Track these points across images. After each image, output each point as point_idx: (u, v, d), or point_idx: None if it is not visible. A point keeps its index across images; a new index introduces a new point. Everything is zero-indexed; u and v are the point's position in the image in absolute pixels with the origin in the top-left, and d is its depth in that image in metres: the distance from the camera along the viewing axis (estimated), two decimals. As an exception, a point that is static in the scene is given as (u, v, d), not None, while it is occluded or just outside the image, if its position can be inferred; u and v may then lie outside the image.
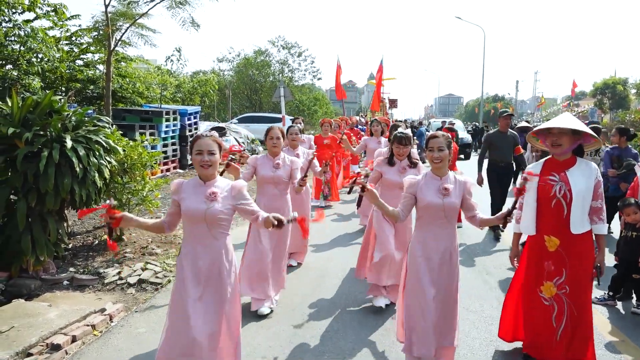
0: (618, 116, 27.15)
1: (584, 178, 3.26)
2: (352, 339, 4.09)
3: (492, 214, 6.83)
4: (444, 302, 3.32)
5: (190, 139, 13.92)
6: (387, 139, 7.75)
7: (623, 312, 4.69)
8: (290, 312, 4.64)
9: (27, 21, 11.12)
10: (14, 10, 10.78)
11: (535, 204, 3.37)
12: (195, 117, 14.02)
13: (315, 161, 5.93)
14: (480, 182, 7.16)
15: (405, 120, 32.08)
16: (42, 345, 3.75)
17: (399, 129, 4.91)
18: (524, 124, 14.08)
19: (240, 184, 3.06)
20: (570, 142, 3.29)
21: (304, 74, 36.15)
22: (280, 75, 34.33)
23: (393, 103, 26.12)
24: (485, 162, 7.55)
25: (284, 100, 15.61)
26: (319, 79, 35.76)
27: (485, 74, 39.91)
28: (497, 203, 7.29)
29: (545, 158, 3.51)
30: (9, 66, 11.33)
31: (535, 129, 3.48)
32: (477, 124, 32.89)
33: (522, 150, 11.12)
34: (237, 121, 21.93)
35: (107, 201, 2.92)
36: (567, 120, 3.29)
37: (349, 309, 4.73)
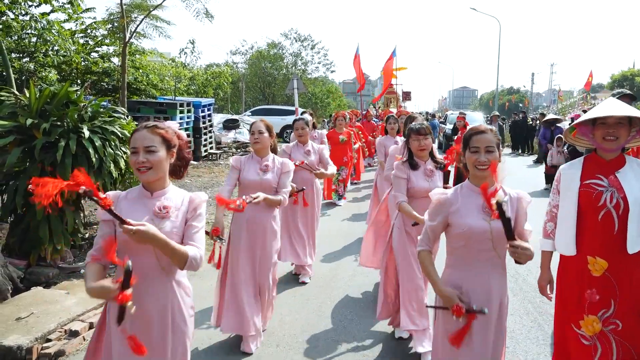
0: (637, 108, 26.66)
1: (638, 182, 2.54)
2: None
3: None
4: None
5: (205, 130, 13.84)
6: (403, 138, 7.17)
7: None
8: (282, 347, 3.85)
9: (44, 14, 11.25)
10: (30, 3, 10.90)
11: (576, 215, 2.61)
12: (209, 109, 14.11)
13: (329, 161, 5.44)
14: None
15: (424, 113, 31.89)
16: (60, 332, 3.82)
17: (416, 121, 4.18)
18: (552, 116, 12.97)
19: (200, 198, 2.24)
20: (627, 134, 2.57)
21: (317, 67, 36.17)
22: (293, 68, 34.35)
23: (407, 96, 25.95)
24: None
25: (297, 93, 15.60)
26: (332, 71, 35.82)
27: (500, 66, 39.43)
28: None
29: (584, 156, 2.75)
30: (25, 59, 11.48)
31: (581, 118, 2.72)
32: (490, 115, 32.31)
33: (550, 147, 10.69)
34: (250, 114, 22.00)
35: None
36: (622, 107, 2.60)
37: (354, 344, 3.88)
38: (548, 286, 2.82)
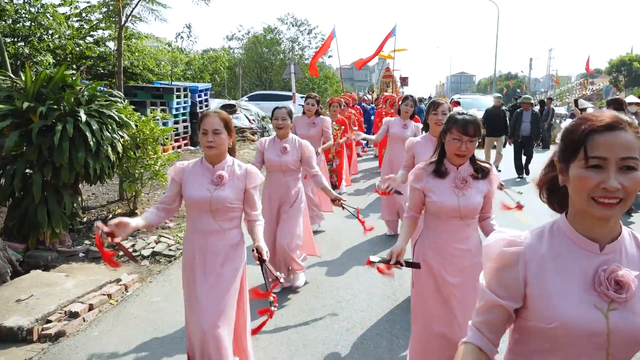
0: (633, 94, 26.68)
1: None
2: None
3: None
4: None
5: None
6: (417, 124, 5.97)
7: None
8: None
9: (38, -2, 11.15)
10: (24, -13, 10.80)
11: None
12: (205, 94, 14.04)
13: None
14: None
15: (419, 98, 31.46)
16: (60, 313, 3.86)
17: (453, 107, 2.99)
18: (586, 103, 11.22)
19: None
20: None
21: (314, 52, 35.90)
22: (290, 53, 34.14)
23: (404, 81, 25.81)
24: None
25: (295, 78, 15.53)
26: (330, 56, 35.45)
27: (498, 51, 39.23)
28: None
29: None
30: (20, 43, 11.39)
31: None
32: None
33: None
34: (247, 99, 21.89)
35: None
36: None
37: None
38: None
